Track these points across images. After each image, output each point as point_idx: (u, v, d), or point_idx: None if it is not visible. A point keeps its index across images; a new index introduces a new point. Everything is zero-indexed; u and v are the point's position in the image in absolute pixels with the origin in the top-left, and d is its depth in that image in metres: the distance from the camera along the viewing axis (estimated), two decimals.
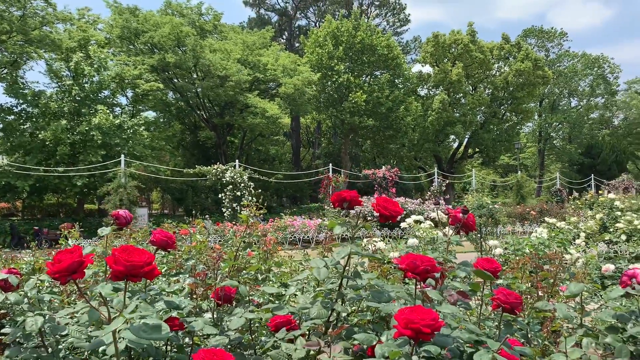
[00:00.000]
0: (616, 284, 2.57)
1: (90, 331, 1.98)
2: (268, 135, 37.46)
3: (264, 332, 2.53)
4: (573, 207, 16.90)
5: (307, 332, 2.09)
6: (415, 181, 36.59)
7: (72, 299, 3.04)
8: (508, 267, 3.81)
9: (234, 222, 18.00)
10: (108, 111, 23.80)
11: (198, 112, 32.01)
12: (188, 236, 4.82)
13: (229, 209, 21.09)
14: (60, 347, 2.15)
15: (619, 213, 12.99)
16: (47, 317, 2.05)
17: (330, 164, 27.32)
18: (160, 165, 26.74)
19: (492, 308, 2.13)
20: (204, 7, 31.28)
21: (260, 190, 21.46)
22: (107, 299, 1.87)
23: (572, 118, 51.33)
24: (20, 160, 22.48)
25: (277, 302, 2.91)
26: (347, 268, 2.15)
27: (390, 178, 26.68)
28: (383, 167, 27.78)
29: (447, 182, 28.74)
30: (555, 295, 3.30)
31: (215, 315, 2.38)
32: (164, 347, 2.17)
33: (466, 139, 41.71)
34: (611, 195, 14.60)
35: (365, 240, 5.15)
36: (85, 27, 26.12)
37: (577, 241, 7.43)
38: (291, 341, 1.97)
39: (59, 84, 24.79)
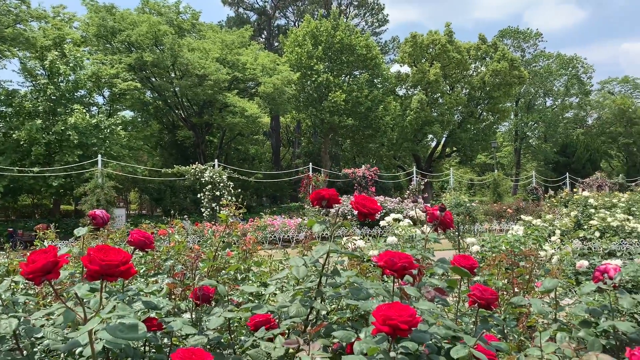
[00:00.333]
0: (590, 280, 2.62)
1: (67, 333, 1.96)
2: (247, 135, 37.30)
3: (244, 331, 2.53)
4: (548, 204, 17.20)
5: (287, 331, 2.10)
6: (395, 180, 36.79)
7: (48, 300, 3.00)
8: (485, 264, 3.86)
9: (213, 222, 17.89)
10: (84, 111, 23.44)
11: (176, 111, 31.73)
12: (166, 237, 4.78)
13: (208, 209, 20.96)
14: (35, 349, 2.12)
15: (592, 210, 13.25)
16: (21, 319, 2.02)
17: (310, 163, 27.33)
18: (138, 165, 26.44)
19: (468, 304, 2.16)
20: (181, 6, 31.01)
21: (239, 190, 21.38)
22: (84, 299, 1.85)
23: (547, 117, 52.17)
24: None
25: (256, 301, 2.91)
26: (326, 266, 2.16)
27: (370, 177, 26.80)
28: (363, 166, 27.90)
29: (425, 180, 28.97)
30: (530, 291, 3.35)
31: (194, 315, 2.37)
32: (142, 348, 2.16)
33: (444, 138, 42.11)
34: (585, 193, 14.89)
35: (345, 238, 5.18)
36: (60, 25, 25.68)
37: (553, 238, 7.56)
38: (270, 340, 1.97)
39: (34, 82, 24.35)
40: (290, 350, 1.84)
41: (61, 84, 23.91)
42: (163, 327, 2.03)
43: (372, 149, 39.63)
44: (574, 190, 17.79)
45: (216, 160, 23.39)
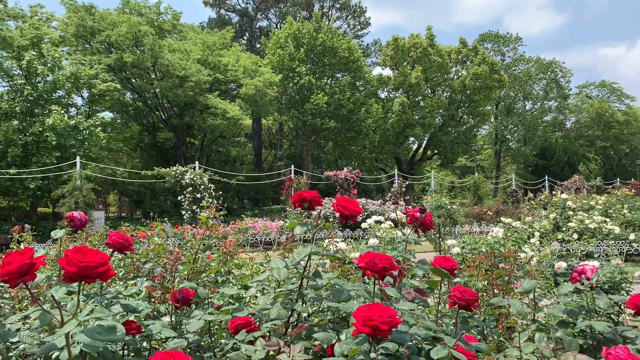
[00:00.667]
0: (568, 281, 2.66)
1: (43, 337, 1.92)
2: (229, 137, 37.13)
3: (224, 334, 2.52)
4: (528, 207, 17.41)
5: (268, 333, 2.09)
6: (376, 182, 36.94)
7: (25, 304, 2.95)
8: (465, 265, 3.89)
9: (193, 225, 17.76)
10: (63, 112, 23.06)
11: (156, 112, 31.44)
12: (146, 239, 4.73)
13: (189, 212, 20.79)
14: (11, 354, 2.08)
15: (571, 213, 13.46)
16: None
17: (292, 166, 27.31)
18: (118, 167, 26.12)
19: (449, 305, 2.17)
20: (162, 6, 30.76)
21: (221, 192, 21.24)
22: (61, 302, 1.81)
23: (526, 121, 52.83)
24: None
25: (237, 303, 2.89)
26: (308, 268, 2.15)
27: (352, 179, 26.86)
28: (345, 168, 27.94)
29: (407, 183, 29.13)
30: (510, 292, 3.39)
31: (173, 318, 2.35)
32: (120, 352, 2.13)
33: (425, 141, 42.41)
34: (564, 196, 15.12)
35: (326, 241, 5.18)
36: (38, 25, 25.26)
37: (532, 240, 7.66)
38: (251, 343, 1.96)
39: (10, 83, 23.90)
40: (271, 353, 1.83)
41: (39, 84, 23.52)
42: (142, 330, 2.01)
43: (354, 152, 39.74)
44: (553, 192, 18.03)
45: (197, 162, 23.23)
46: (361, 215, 2.10)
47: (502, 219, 9.72)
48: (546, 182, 37.97)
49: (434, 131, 40.47)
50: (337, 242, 5.12)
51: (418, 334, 1.87)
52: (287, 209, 23.02)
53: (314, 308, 2.47)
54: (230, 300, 3.08)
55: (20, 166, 21.80)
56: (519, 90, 54.20)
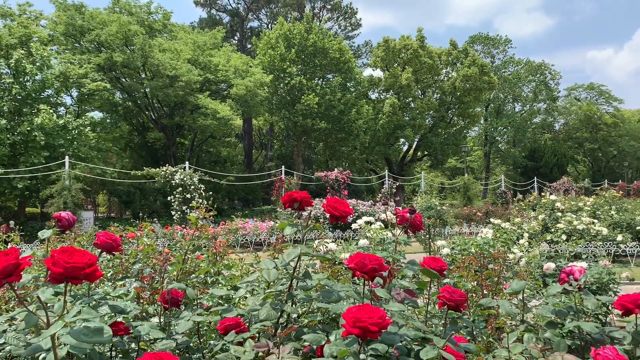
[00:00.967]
0: (556, 282, 2.68)
1: (30, 338, 1.90)
2: (219, 137, 37.02)
3: (213, 335, 2.50)
4: (517, 208, 17.51)
5: (257, 334, 2.08)
6: (367, 183, 36.99)
7: (11, 305, 2.92)
8: (455, 266, 3.90)
9: (183, 225, 17.68)
10: (51, 111, 22.87)
11: (146, 112, 31.27)
12: (135, 240, 4.70)
13: (179, 212, 20.71)
14: None
15: (559, 214, 13.56)
16: None
17: (283, 166, 27.27)
18: (107, 167, 25.95)
19: (438, 306, 2.18)
20: (153, 6, 30.59)
21: (211, 193, 21.15)
22: (48, 304, 1.79)
23: (516, 122, 53.18)
24: None
25: (226, 304, 2.88)
26: (297, 269, 2.15)
27: (343, 180, 26.89)
28: (335, 169, 27.96)
29: (397, 184, 29.19)
30: (499, 293, 3.40)
31: (162, 320, 2.33)
32: (108, 353, 2.11)
33: (415, 142, 42.56)
34: (552, 197, 15.22)
35: (317, 241, 5.17)
36: (26, 23, 25.03)
37: (521, 241, 7.70)
38: (240, 344, 1.95)
39: None
40: (260, 354, 1.82)
41: (27, 83, 23.32)
42: (130, 331, 1.99)
43: (344, 152, 39.78)
44: (542, 194, 18.14)
45: (187, 162, 23.14)
46: (351, 216, 2.11)
47: (492, 220, 9.76)
48: (535, 183, 38.24)
49: (424, 132, 40.61)
50: (327, 243, 5.12)
51: (407, 334, 1.87)
52: (278, 209, 22.99)
53: (304, 309, 2.46)
54: (220, 301, 3.06)
55: (8, 166, 21.59)
56: (508, 92, 54.55)
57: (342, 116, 35.30)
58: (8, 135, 21.51)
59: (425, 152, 43.95)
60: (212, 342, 2.40)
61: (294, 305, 2.12)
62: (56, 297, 1.80)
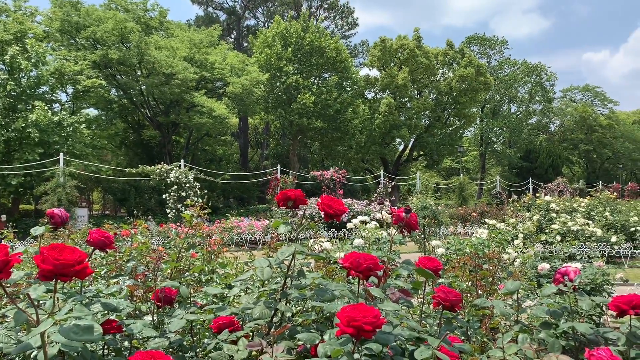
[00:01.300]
0: (551, 282, 2.68)
1: (21, 336, 1.89)
2: (215, 135, 36.95)
3: (206, 334, 2.49)
4: (512, 209, 17.56)
5: (250, 333, 2.07)
6: (362, 183, 37.02)
7: (3, 302, 2.90)
8: (450, 266, 3.90)
9: (178, 224, 17.65)
10: (46, 108, 22.77)
11: (142, 110, 31.18)
12: (129, 237, 4.68)
13: (174, 210, 20.66)
14: None
15: (554, 215, 13.60)
16: None
17: (279, 165, 27.25)
18: (102, 165, 25.87)
19: (433, 306, 2.17)
20: (149, 3, 30.51)
21: (206, 191, 21.15)
22: (40, 301, 1.78)
23: (511, 123, 53.29)
24: None
25: (220, 303, 2.87)
26: (292, 268, 2.14)
27: (338, 179, 26.89)
28: (331, 168, 27.96)
29: (392, 184, 29.22)
30: (493, 293, 3.40)
31: (155, 318, 2.32)
32: (100, 351, 2.09)
33: (411, 142, 42.59)
34: (547, 198, 15.27)
35: (311, 240, 5.16)
36: (22, 19, 24.92)
37: (516, 242, 7.72)
38: (234, 342, 1.93)
39: None
40: (254, 353, 1.81)
41: (22, 79, 23.20)
42: (123, 329, 1.97)
43: (340, 152, 39.76)
44: (537, 195, 18.20)
45: (182, 160, 23.08)
46: (347, 215, 2.09)
47: (487, 220, 9.78)
48: (530, 184, 38.34)
49: (420, 132, 40.65)
50: (322, 242, 5.11)
51: (402, 334, 1.86)
52: (273, 208, 22.99)
53: (298, 308, 2.45)
54: (214, 300, 3.05)
55: (2, 162, 21.49)
56: (504, 93, 54.65)
57: (338, 115, 35.30)
58: (2, 132, 21.41)
59: (421, 152, 43.99)
60: (205, 340, 2.39)
61: (288, 304, 2.10)
62: (48, 295, 1.78)
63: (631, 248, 12.16)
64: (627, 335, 2.03)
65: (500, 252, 5.57)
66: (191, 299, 2.57)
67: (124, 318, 2.13)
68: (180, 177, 21.08)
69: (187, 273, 3.21)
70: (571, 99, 62.03)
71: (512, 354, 1.93)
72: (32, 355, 1.79)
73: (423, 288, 2.28)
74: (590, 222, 12.78)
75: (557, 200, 15.90)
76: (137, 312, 2.39)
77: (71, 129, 23.18)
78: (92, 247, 2.14)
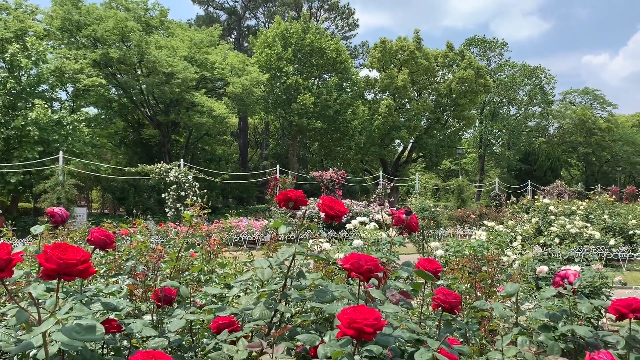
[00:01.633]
0: (550, 285, 2.68)
1: (21, 334, 1.89)
2: (215, 135, 36.93)
3: (206, 334, 2.49)
4: (511, 211, 17.58)
5: (250, 333, 2.07)
6: (362, 184, 37.01)
7: (2, 301, 2.89)
8: (449, 268, 3.90)
9: (177, 223, 17.63)
10: (46, 106, 22.75)
11: (142, 109, 31.17)
12: (129, 236, 4.68)
13: (173, 209, 20.65)
14: None
15: (553, 217, 13.61)
16: None
17: (278, 165, 27.24)
18: (101, 163, 25.83)
19: (432, 308, 2.17)
20: (150, 2, 30.51)
21: (205, 191, 21.14)
22: (40, 300, 1.78)
23: (511, 126, 53.31)
24: None
25: (219, 303, 2.87)
26: (291, 268, 2.14)
27: (337, 180, 26.88)
28: (330, 169, 27.95)
29: (392, 185, 29.22)
30: (492, 295, 3.41)
31: (155, 317, 2.32)
32: (100, 350, 2.10)
33: (411, 144, 42.59)
34: (546, 200, 15.29)
35: (311, 241, 5.16)
36: (22, 17, 24.90)
37: (514, 244, 7.72)
38: (233, 343, 1.94)
39: None
40: (254, 353, 1.81)
41: (22, 77, 23.17)
42: (122, 329, 1.98)
43: (339, 153, 39.77)
44: (535, 197, 18.21)
45: (182, 159, 23.07)
46: (346, 216, 2.09)
47: (485, 222, 9.78)
48: (529, 186, 38.36)
49: (420, 134, 40.67)
50: (322, 243, 5.11)
51: (402, 336, 1.86)
52: (272, 208, 22.98)
53: (297, 309, 2.45)
54: (213, 300, 3.05)
55: (1, 160, 21.47)
56: (503, 95, 54.68)
57: (337, 116, 35.30)
58: (2, 130, 21.38)
59: (420, 154, 44.00)
60: (205, 340, 2.39)
61: (287, 305, 2.11)
62: (48, 293, 1.78)
63: (629, 251, 12.17)
64: (627, 339, 2.04)
65: (499, 254, 5.58)
66: (191, 299, 2.57)
67: (124, 317, 2.13)
68: (179, 176, 21.07)
69: (187, 273, 3.21)
70: (570, 101, 62.09)
71: (511, 356, 1.93)
72: (31, 354, 1.79)
73: (422, 290, 2.29)
74: (588, 225, 12.80)
75: (556, 202, 15.91)
76: (137, 311, 2.39)
77: (71, 127, 23.16)
78: (93, 246, 2.15)
